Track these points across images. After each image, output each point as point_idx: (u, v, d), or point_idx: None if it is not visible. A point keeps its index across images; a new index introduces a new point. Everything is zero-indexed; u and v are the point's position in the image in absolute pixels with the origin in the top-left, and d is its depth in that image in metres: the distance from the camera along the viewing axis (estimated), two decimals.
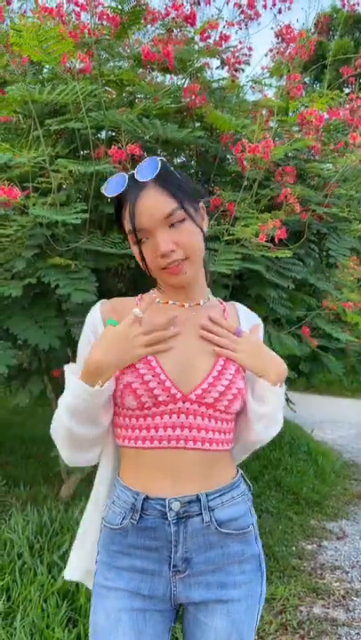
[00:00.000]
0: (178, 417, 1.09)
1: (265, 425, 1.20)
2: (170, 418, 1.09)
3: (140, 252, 1.11)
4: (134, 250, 1.13)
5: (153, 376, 1.08)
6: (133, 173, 1.09)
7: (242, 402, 1.15)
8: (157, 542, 1.09)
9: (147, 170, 1.08)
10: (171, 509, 1.08)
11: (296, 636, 2.44)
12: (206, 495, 1.10)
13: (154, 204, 1.07)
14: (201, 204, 1.17)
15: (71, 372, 1.11)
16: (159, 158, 1.08)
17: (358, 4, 2.84)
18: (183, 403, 1.09)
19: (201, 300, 1.21)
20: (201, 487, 1.10)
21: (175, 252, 1.08)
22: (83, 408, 1.07)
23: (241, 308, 1.29)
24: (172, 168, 1.12)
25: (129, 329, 1.08)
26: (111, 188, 1.10)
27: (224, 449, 1.15)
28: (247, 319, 1.27)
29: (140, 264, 1.14)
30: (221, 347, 1.15)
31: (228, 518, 1.11)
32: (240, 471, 1.23)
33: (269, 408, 1.18)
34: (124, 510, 1.11)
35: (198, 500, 1.09)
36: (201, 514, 1.09)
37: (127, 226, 1.10)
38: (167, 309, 1.18)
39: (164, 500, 1.08)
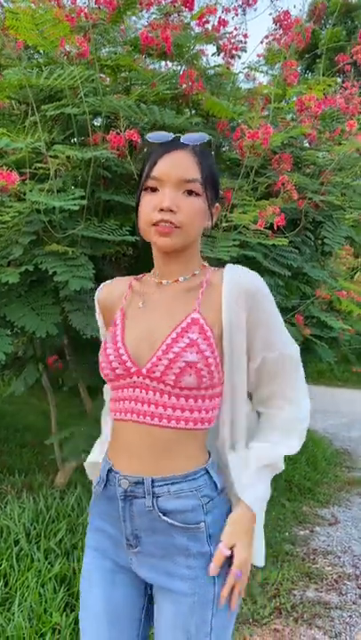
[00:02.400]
0: (133, 390, 1.10)
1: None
2: (128, 391, 1.10)
3: (138, 203, 1.12)
4: (139, 199, 1.13)
5: (113, 350, 1.12)
6: (180, 136, 1.11)
7: (200, 378, 1.05)
8: (116, 513, 1.13)
9: (194, 137, 1.10)
10: (120, 486, 1.11)
11: (290, 619, 2.48)
12: (152, 481, 1.07)
13: (181, 164, 1.08)
14: (217, 205, 1.18)
15: None
16: (208, 137, 1.11)
17: None
18: (138, 377, 1.09)
19: (181, 277, 1.16)
20: (149, 469, 1.08)
21: (173, 215, 1.07)
22: None
23: (228, 274, 1.13)
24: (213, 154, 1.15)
25: None
26: (156, 136, 1.11)
27: (180, 428, 1.08)
28: (231, 290, 1.10)
29: (136, 216, 1.14)
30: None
31: (173, 509, 1.07)
32: (207, 466, 1.12)
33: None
34: (99, 476, 1.18)
35: (143, 482, 1.08)
36: (145, 497, 1.08)
37: (145, 170, 1.10)
38: (147, 289, 1.19)
39: (118, 474, 1.12)
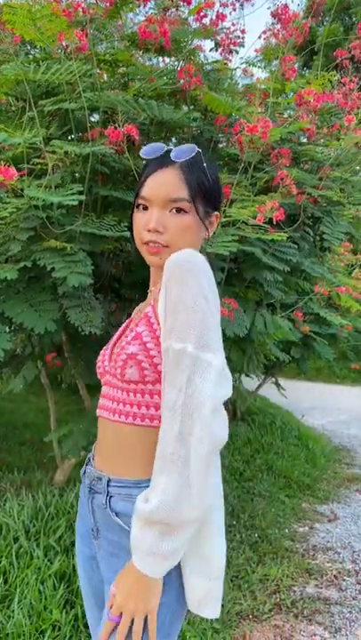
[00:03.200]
0: (106, 388, 1.15)
1: None
2: (104, 388, 1.16)
3: (131, 221, 1.15)
4: (132, 214, 1.16)
5: (104, 350, 1.20)
6: (171, 151, 1.11)
7: (141, 370, 1.02)
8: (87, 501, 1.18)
9: (182, 152, 1.10)
10: (87, 478, 1.16)
11: (290, 615, 2.48)
12: (108, 480, 1.09)
13: (166, 183, 1.09)
14: (216, 213, 1.18)
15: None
16: (198, 150, 1.11)
17: None
18: (105, 375, 1.15)
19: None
20: (108, 467, 1.11)
21: (160, 235, 1.08)
22: None
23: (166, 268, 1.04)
24: (205, 165, 1.12)
25: None
26: (148, 151, 1.13)
27: (129, 423, 1.06)
28: (164, 273, 1.02)
29: (131, 233, 1.17)
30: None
31: (121, 511, 1.05)
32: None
33: None
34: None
35: (101, 480, 1.11)
36: (102, 493, 1.10)
37: (137, 188, 1.13)
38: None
39: (87, 466, 1.18)
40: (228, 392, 0.97)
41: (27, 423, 4.55)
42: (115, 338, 1.22)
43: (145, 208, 1.11)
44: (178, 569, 1.03)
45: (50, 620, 2.05)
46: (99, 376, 1.19)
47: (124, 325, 1.24)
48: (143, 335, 1.04)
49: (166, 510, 0.89)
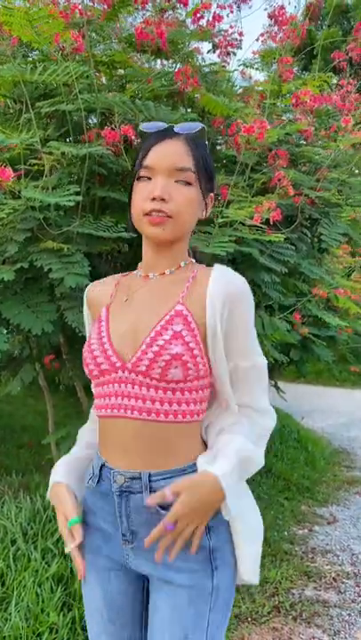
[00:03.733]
0: (119, 386, 1.08)
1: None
2: (113, 387, 1.09)
3: (131, 192, 1.11)
4: (132, 189, 1.12)
5: (99, 345, 1.11)
6: (173, 125, 1.10)
7: (186, 370, 1.04)
8: (111, 508, 1.12)
9: (188, 126, 1.09)
10: (115, 482, 1.09)
11: (289, 618, 2.47)
12: (149, 475, 1.06)
13: (172, 152, 1.06)
14: (212, 194, 1.16)
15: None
16: (202, 125, 1.10)
17: None
18: (123, 372, 1.07)
19: (167, 270, 1.15)
20: (146, 463, 1.07)
21: (165, 204, 1.05)
22: None
23: (216, 273, 1.11)
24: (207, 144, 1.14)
25: (60, 521, 1.13)
26: (150, 126, 1.11)
27: (170, 421, 1.06)
28: (217, 289, 1.07)
29: (129, 206, 1.13)
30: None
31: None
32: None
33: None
34: (92, 472, 1.16)
35: (140, 477, 1.07)
36: (142, 492, 1.07)
37: (138, 159, 1.09)
38: (132, 284, 1.18)
39: (112, 470, 1.11)
40: None
41: (25, 426, 4.54)
42: (104, 327, 1.13)
43: (147, 179, 1.07)
44: (234, 556, 1.12)
45: (47, 623, 2.04)
46: (97, 373, 1.11)
47: (105, 312, 1.16)
48: (184, 334, 1.05)
49: (260, 454, 1.11)
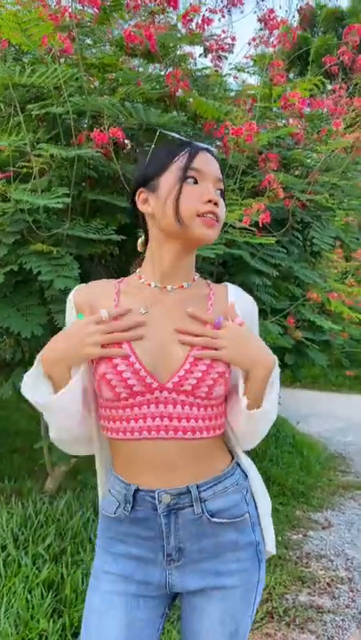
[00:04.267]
0: (157, 407, 1.06)
1: (255, 422, 1.14)
2: (148, 408, 1.06)
3: (179, 192, 1.07)
4: (170, 191, 1.09)
5: (127, 365, 1.04)
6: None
7: (225, 386, 1.09)
8: (150, 532, 1.09)
9: (206, 147, 1.16)
10: (161, 502, 1.07)
11: (282, 624, 2.45)
12: (197, 487, 1.08)
13: (214, 163, 1.14)
14: None
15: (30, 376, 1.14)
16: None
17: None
18: (161, 392, 1.05)
19: (185, 283, 1.16)
20: (191, 478, 1.08)
21: (217, 208, 1.10)
22: (54, 410, 1.11)
23: (232, 290, 1.20)
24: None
25: (85, 326, 1.05)
26: (180, 134, 1.20)
27: (211, 436, 1.10)
28: (238, 303, 1.15)
29: (170, 207, 1.08)
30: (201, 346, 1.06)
31: (220, 508, 1.09)
32: (235, 458, 1.18)
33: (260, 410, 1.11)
34: (118, 500, 1.11)
35: (189, 491, 1.07)
36: (192, 505, 1.07)
37: (179, 164, 1.10)
38: (146, 294, 1.14)
39: (154, 491, 1.07)
40: None
41: (18, 430, 4.52)
42: (126, 345, 1.06)
43: (195, 182, 1.10)
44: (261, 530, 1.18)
45: (37, 630, 2.02)
46: (126, 395, 1.05)
47: None
48: None
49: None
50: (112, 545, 1.14)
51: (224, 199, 1.16)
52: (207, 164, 1.11)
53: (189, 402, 1.06)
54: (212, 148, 1.17)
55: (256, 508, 1.18)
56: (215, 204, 1.08)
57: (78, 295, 1.17)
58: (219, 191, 1.12)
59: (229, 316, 1.12)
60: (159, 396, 1.05)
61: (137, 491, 1.09)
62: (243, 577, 1.11)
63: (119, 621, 1.09)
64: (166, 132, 1.19)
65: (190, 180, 1.08)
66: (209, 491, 1.09)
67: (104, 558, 1.14)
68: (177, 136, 1.17)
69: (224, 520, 1.10)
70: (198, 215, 1.07)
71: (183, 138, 1.17)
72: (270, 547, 1.19)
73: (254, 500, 1.18)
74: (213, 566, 1.10)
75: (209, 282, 1.22)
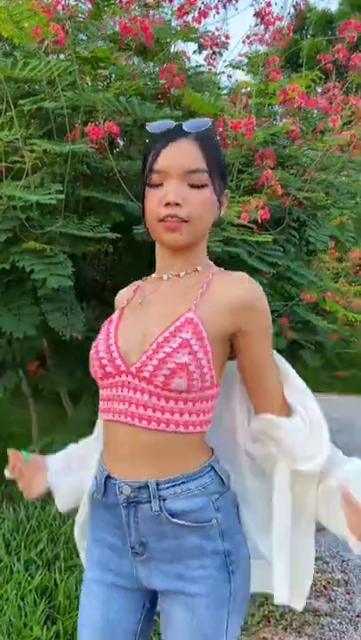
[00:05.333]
0: (122, 390, 1.04)
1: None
2: (117, 390, 1.05)
3: (144, 198, 1.07)
4: (144, 196, 1.09)
5: (105, 346, 1.07)
6: (182, 123, 1.06)
7: (190, 381, 1.00)
8: (118, 520, 1.07)
9: (197, 123, 1.05)
10: (121, 493, 1.05)
11: (279, 628, 2.41)
12: (156, 484, 1.02)
13: (183, 153, 1.03)
14: (228, 191, 1.13)
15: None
16: (210, 121, 1.06)
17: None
18: (126, 376, 1.03)
19: (182, 272, 1.11)
20: (153, 473, 1.03)
21: (180, 209, 1.02)
22: None
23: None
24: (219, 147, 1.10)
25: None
26: (157, 126, 1.07)
27: (174, 431, 1.02)
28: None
29: (142, 213, 1.10)
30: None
31: (183, 509, 1.02)
32: (211, 462, 1.08)
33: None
34: (97, 484, 1.12)
35: (147, 486, 1.03)
36: (150, 502, 1.03)
37: (148, 164, 1.06)
38: (151, 286, 1.15)
39: (117, 481, 1.06)
40: None
41: (10, 434, 4.45)
42: (112, 329, 1.10)
43: (159, 185, 1.04)
44: (247, 553, 1.12)
45: (30, 638, 1.97)
46: (101, 375, 1.07)
47: (118, 315, 1.14)
48: (192, 343, 1.00)
49: None
50: (95, 531, 1.15)
51: (211, 186, 1.05)
52: (173, 158, 1.02)
53: (148, 390, 1.01)
54: (190, 128, 1.04)
55: (237, 518, 1.11)
56: (177, 204, 1.01)
57: (116, 299, 1.25)
58: (192, 184, 1.03)
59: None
60: (125, 380, 1.04)
61: (108, 477, 1.08)
62: (208, 586, 1.03)
63: (97, 610, 1.10)
64: (149, 129, 1.08)
65: (154, 184, 1.05)
66: (170, 489, 1.03)
67: (90, 546, 1.16)
68: (156, 129, 1.07)
69: (187, 523, 1.02)
70: (160, 220, 1.04)
71: (161, 128, 1.07)
72: (281, 595, 1.08)
73: (237, 510, 1.11)
74: (177, 569, 1.04)
75: (215, 270, 1.13)
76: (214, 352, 1.03)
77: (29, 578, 2.26)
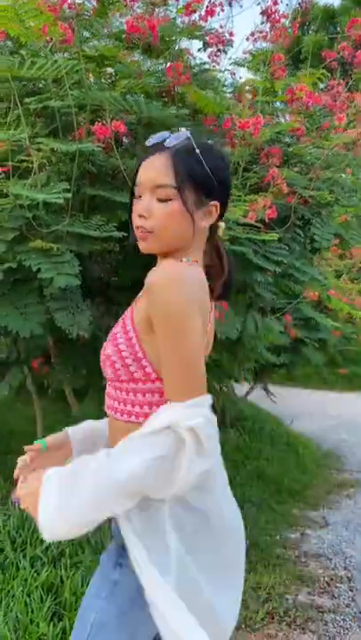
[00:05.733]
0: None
1: None
2: None
3: (131, 210, 1.15)
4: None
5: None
6: (166, 138, 1.11)
7: (113, 369, 1.08)
8: None
9: (173, 138, 1.09)
10: None
11: (283, 624, 2.43)
12: None
13: (154, 168, 1.09)
14: (216, 203, 1.12)
15: None
16: (188, 134, 1.10)
17: None
18: None
19: None
20: None
21: (145, 221, 1.08)
22: None
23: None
24: (198, 151, 1.09)
25: None
26: (150, 140, 1.15)
27: (130, 421, 1.09)
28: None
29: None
30: None
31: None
32: None
33: None
34: None
35: None
36: None
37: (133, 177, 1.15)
38: None
39: None
40: None
41: (13, 431, 4.46)
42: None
43: (138, 197, 1.11)
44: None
45: (36, 634, 1.98)
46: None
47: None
48: (118, 337, 1.10)
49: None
50: None
51: (179, 200, 1.07)
52: (146, 172, 1.09)
53: (108, 378, 1.14)
54: (170, 143, 1.09)
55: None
56: (143, 216, 1.09)
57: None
58: (161, 198, 1.07)
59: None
60: None
61: None
62: (103, 560, 1.16)
63: None
64: (147, 143, 1.15)
65: (136, 195, 1.12)
66: None
67: None
68: (149, 143, 1.14)
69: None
70: (136, 228, 1.12)
71: (152, 141, 1.13)
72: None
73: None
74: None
75: None
76: (147, 343, 1.06)
77: (35, 574, 2.27)
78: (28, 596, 2.14)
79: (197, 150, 1.08)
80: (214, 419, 1.01)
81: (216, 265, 1.20)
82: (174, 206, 1.07)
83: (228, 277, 1.19)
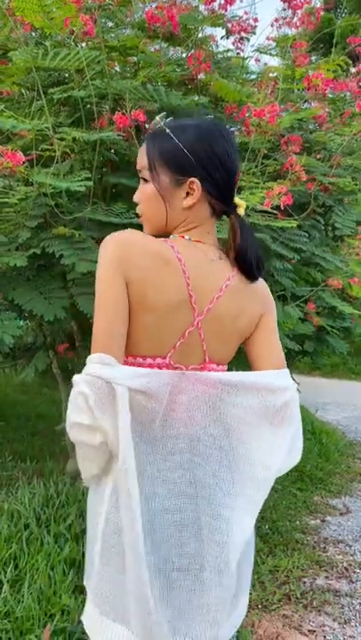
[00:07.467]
0: None
1: None
2: None
3: None
4: None
5: None
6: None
7: None
8: None
9: (152, 123, 1.16)
10: None
11: (300, 606, 2.47)
12: None
13: (139, 156, 1.15)
14: (194, 179, 1.08)
15: None
16: (162, 119, 1.12)
17: None
18: None
19: None
20: None
21: (138, 206, 1.17)
22: None
23: None
24: (169, 131, 1.09)
25: None
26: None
27: None
28: None
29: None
30: None
31: None
32: None
33: None
34: None
35: None
36: None
37: None
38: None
39: None
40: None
41: (39, 414, 4.59)
42: None
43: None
44: None
45: (59, 605, 2.07)
46: None
47: None
48: None
49: None
50: None
51: (154, 181, 1.10)
52: (139, 157, 1.15)
53: None
54: (158, 127, 1.11)
55: None
56: (134, 201, 1.17)
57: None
58: (142, 180, 1.14)
59: None
60: None
61: None
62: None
63: None
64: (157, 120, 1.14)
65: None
66: None
67: None
68: (164, 127, 1.11)
69: None
70: None
71: (171, 122, 1.11)
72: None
73: None
74: None
75: None
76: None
77: (59, 549, 2.35)
78: (52, 569, 2.23)
79: (168, 130, 1.09)
80: (96, 380, 0.97)
81: (230, 241, 1.16)
82: (149, 188, 1.12)
83: (241, 251, 1.13)
